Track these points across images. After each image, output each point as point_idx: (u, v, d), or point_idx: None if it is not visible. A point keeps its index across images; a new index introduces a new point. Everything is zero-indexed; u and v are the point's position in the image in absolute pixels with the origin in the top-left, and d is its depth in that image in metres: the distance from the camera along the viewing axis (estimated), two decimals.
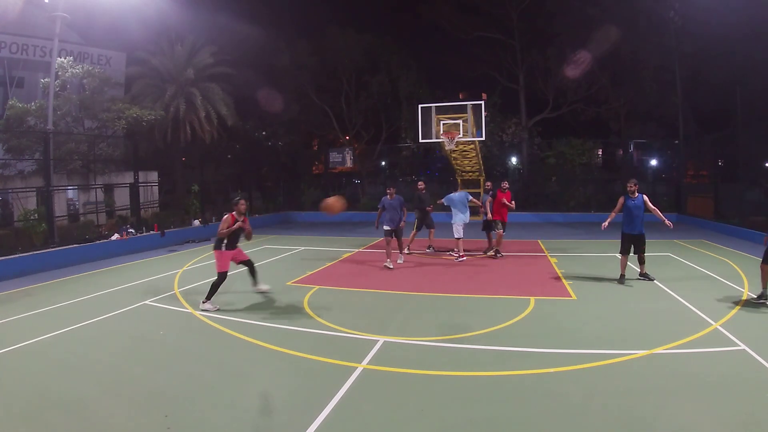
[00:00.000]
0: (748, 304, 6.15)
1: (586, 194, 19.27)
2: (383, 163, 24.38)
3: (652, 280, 7.57)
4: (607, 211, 7.72)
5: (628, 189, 7.47)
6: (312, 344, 5.03)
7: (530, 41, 21.59)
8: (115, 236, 12.11)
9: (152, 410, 3.63)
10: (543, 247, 11.44)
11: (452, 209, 9.95)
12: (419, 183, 10.76)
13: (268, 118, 22.61)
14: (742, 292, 6.77)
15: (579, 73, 20.65)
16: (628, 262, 7.68)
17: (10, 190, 12.34)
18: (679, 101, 18.61)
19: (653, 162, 21.17)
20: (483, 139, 14.69)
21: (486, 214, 10.09)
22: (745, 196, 14.04)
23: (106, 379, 4.23)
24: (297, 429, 3.30)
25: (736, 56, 16.15)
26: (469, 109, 13.86)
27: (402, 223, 9.14)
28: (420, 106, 14.91)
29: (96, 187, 14.60)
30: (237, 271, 9.19)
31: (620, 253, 7.63)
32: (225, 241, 6.47)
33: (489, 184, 10.77)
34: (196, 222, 15.07)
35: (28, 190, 12.43)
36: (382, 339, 5.10)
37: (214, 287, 6.46)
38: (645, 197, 7.44)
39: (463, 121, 13.65)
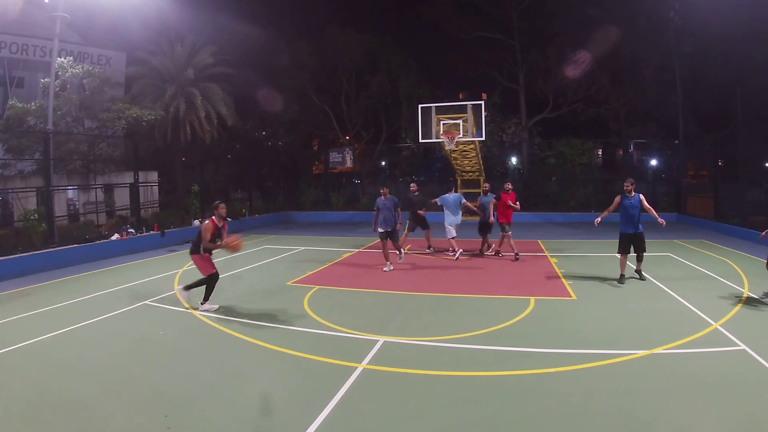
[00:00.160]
0: (748, 304, 6.15)
1: (586, 194, 19.26)
2: (383, 163, 24.38)
3: (643, 279, 7.62)
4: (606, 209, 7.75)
5: (625, 188, 7.48)
6: (312, 344, 5.03)
7: (530, 41, 21.58)
8: (115, 236, 12.11)
9: (152, 410, 3.63)
10: (543, 247, 11.44)
11: (445, 210, 10.11)
12: (411, 185, 10.74)
13: (268, 118, 22.62)
14: (742, 292, 6.77)
15: (579, 73, 20.65)
16: (628, 262, 7.69)
17: (10, 190, 12.34)
18: (679, 101, 18.61)
19: (653, 162, 21.16)
20: (483, 139, 14.70)
21: (488, 216, 10.06)
22: (745, 196, 14.04)
23: (106, 379, 4.23)
24: (297, 429, 3.30)
25: (736, 56, 16.15)
26: (469, 109, 13.88)
27: (398, 225, 9.07)
28: (420, 106, 14.93)
29: (96, 187, 14.60)
30: (237, 271, 9.20)
31: (619, 252, 7.63)
32: (202, 246, 6.31)
33: (487, 185, 10.63)
34: (196, 222, 15.07)
35: (28, 190, 12.43)
36: (382, 339, 5.11)
37: (210, 289, 6.43)
38: (641, 196, 7.44)
39: (463, 121, 13.66)
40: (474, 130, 13.86)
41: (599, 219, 7.68)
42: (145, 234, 13.00)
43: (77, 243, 11.16)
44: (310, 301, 6.83)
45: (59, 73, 13.86)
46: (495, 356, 4.65)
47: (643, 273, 7.74)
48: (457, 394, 3.84)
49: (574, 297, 6.77)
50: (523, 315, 5.93)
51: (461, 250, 10.08)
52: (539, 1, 20.70)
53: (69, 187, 14.09)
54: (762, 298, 6.37)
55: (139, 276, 8.86)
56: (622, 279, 7.53)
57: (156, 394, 3.93)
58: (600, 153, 21.39)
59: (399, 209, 9.03)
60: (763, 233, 6.94)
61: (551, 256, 10.12)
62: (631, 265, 7.87)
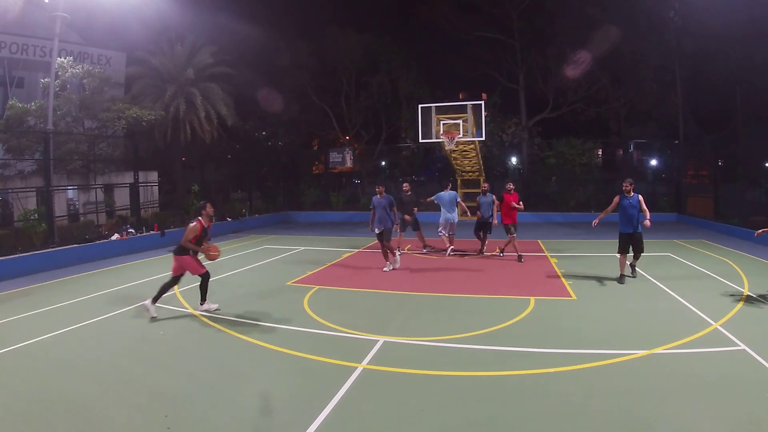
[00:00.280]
0: (748, 304, 6.15)
1: (586, 194, 19.26)
2: (383, 163, 24.38)
3: (634, 276, 7.68)
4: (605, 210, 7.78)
5: (624, 188, 7.50)
6: (312, 344, 5.03)
7: (530, 41, 21.58)
8: (115, 236, 12.12)
9: (152, 410, 3.63)
10: (543, 247, 11.43)
11: (441, 208, 10.25)
12: (404, 185, 10.74)
13: (268, 118, 22.61)
14: (742, 291, 6.77)
15: (579, 73, 20.65)
16: (627, 262, 7.70)
17: (10, 190, 12.34)
18: (679, 101, 18.61)
19: (653, 162, 21.15)
20: (483, 139, 14.70)
21: (488, 216, 10.05)
22: (745, 196, 14.04)
23: (106, 379, 4.23)
24: (297, 429, 3.30)
25: (736, 56, 16.14)
26: (469, 109, 13.88)
27: (395, 225, 9.01)
28: (420, 106, 14.93)
29: (96, 187, 14.59)
30: (237, 271, 9.20)
31: (618, 252, 7.64)
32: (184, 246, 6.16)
33: (486, 185, 10.54)
34: None
35: (28, 190, 12.43)
36: (382, 339, 5.11)
37: (204, 289, 6.35)
38: (640, 197, 7.45)
39: (463, 121, 13.66)
40: (474, 130, 13.85)
41: (597, 221, 7.72)
42: (145, 234, 13.00)
43: (77, 243, 11.16)
44: (310, 301, 6.83)
45: (59, 73, 13.86)
46: (495, 356, 4.65)
47: (636, 269, 7.79)
48: (457, 394, 3.84)
49: (574, 297, 6.77)
50: (523, 315, 5.93)
51: (452, 247, 10.33)
52: (539, 1, 20.70)
53: (69, 187, 14.09)
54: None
55: (139, 276, 8.86)
56: (622, 279, 7.54)
57: (156, 394, 3.93)
58: (600, 153, 21.37)
59: (394, 208, 8.97)
60: (759, 231, 7.04)
61: (551, 256, 10.11)
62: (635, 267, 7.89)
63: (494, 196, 10.10)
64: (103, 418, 3.53)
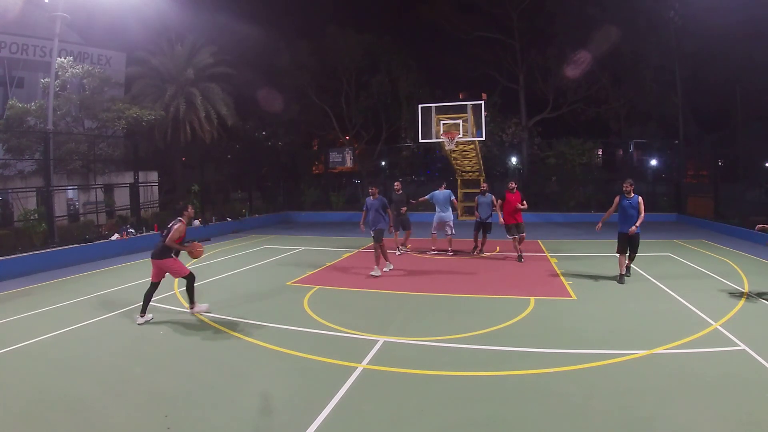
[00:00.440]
0: (749, 304, 6.15)
1: (586, 194, 19.26)
2: (383, 163, 24.37)
3: (628, 276, 7.69)
4: (607, 211, 7.80)
5: (624, 189, 7.50)
6: (312, 344, 5.03)
7: (530, 41, 21.59)
8: (115, 236, 12.11)
9: (152, 410, 3.63)
10: (543, 247, 11.43)
11: (436, 207, 10.35)
12: (395, 183, 10.75)
13: (268, 118, 22.61)
14: (742, 291, 6.77)
15: (579, 73, 20.66)
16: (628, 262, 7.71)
17: (10, 190, 12.34)
18: (679, 101, 18.61)
19: (653, 162, 21.14)
20: (483, 139, 14.67)
21: (487, 216, 10.05)
22: (745, 196, 14.04)
23: (106, 379, 4.23)
24: (297, 429, 3.30)
25: (736, 56, 16.15)
26: (469, 109, 13.85)
27: (390, 227, 8.95)
28: (420, 106, 14.90)
29: (96, 187, 14.60)
30: (237, 271, 9.21)
31: (618, 252, 7.65)
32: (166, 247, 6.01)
33: (485, 185, 10.52)
34: (197, 222, 15.06)
35: (28, 190, 12.43)
36: (382, 339, 5.10)
37: (191, 291, 6.15)
38: (640, 199, 7.46)
39: (463, 121, 13.64)
40: (474, 130, 13.83)
41: (600, 224, 7.75)
42: (145, 234, 12.99)
43: (77, 243, 11.15)
44: (310, 301, 6.83)
45: (59, 73, 13.86)
46: (495, 356, 4.65)
47: (630, 269, 7.82)
48: (457, 394, 3.84)
49: (574, 297, 6.77)
50: (523, 315, 5.93)
51: (435, 250, 10.57)
52: (539, 1, 20.71)
53: (69, 187, 14.09)
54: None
55: (139, 276, 8.85)
56: (621, 278, 7.55)
57: (156, 394, 3.93)
58: (600, 153, 21.38)
59: (389, 210, 8.79)
60: (759, 226, 7.14)
61: (551, 256, 10.11)
62: (636, 268, 7.90)
63: (493, 197, 10.08)
64: (103, 418, 3.53)
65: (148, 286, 6.00)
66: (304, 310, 6.38)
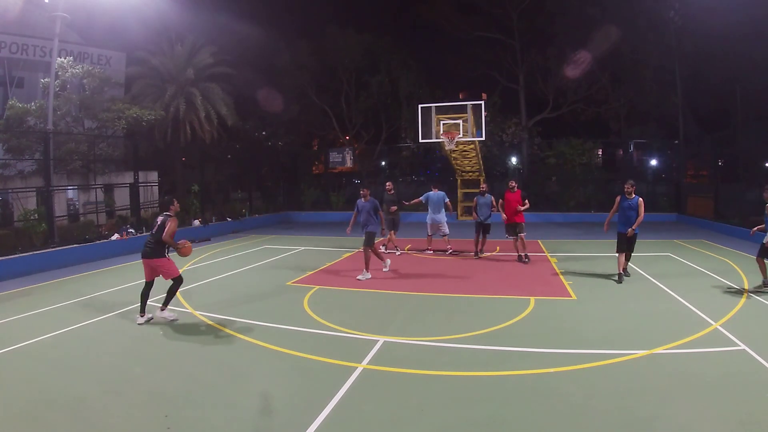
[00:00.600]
0: (749, 304, 6.16)
1: (586, 194, 19.26)
2: (383, 163, 24.38)
3: (627, 275, 7.70)
4: (606, 211, 7.83)
5: (625, 190, 7.52)
6: (312, 344, 5.03)
7: (530, 41, 21.62)
8: (115, 236, 12.11)
9: (152, 410, 3.63)
10: (543, 247, 11.43)
11: (429, 209, 10.44)
12: (387, 183, 10.68)
13: (268, 118, 22.62)
14: (742, 291, 6.77)
15: (579, 73, 20.67)
16: (630, 262, 7.73)
17: (10, 190, 12.34)
18: (679, 101, 18.61)
19: (653, 162, 21.16)
20: (483, 139, 14.69)
21: (486, 216, 10.02)
22: (745, 196, 14.03)
23: (106, 379, 4.23)
24: (297, 429, 3.30)
25: (736, 56, 16.15)
26: (469, 109, 13.87)
27: (382, 230, 8.87)
28: (420, 106, 14.92)
29: (96, 187, 14.60)
30: (237, 271, 9.20)
31: (617, 252, 7.67)
32: (167, 247, 5.87)
33: (485, 186, 10.44)
34: (196, 222, 15.07)
35: (28, 190, 12.43)
36: (382, 339, 5.10)
37: (172, 294, 5.92)
38: (640, 200, 7.47)
39: (463, 121, 13.66)
40: (474, 130, 13.84)
41: (606, 225, 7.85)
42: (145, 234, 12.97)
43: (77, 243, 11.15)
44: (310, 301, 6.83)
45: (59, 73, 13.86)
46: (495, 356, 4.64)
47: (627, 270, 7.85)
48: (457, 394, 3.84)
49: (574, 297, 6.77)
50: (523, 315, 5.93)
51: (432, 250, 10.69)
52: (539, 1, 20.73)
53: (69, 187, 14.09)
54: (757, 288, 6.50)
55: (139, 276, 8.80)
56: (620, 278, 7.55)
57: (156, 394, 3.93)
58: (600, 153, 21.40)
59: (380, 212, 8.54)
60: (754, 228, 7.21)
61: (551, 256, 10.11)
62: (636, 268, 7.92)
63: (493, 198, 10.04)
64: (103, 418, 3.53)
65: (143, 286, 5.98)
66: (304, 310, 6.38)
